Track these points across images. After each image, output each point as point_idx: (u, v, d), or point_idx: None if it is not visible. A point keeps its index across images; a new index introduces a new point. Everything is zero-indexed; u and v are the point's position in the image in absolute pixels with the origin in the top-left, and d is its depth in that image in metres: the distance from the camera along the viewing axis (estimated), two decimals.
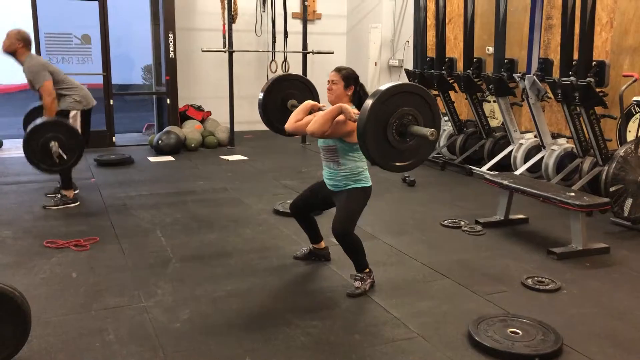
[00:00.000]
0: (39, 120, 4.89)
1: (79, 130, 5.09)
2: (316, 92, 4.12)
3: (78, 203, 5.13)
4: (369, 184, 3.46)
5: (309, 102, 3.55)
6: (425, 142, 2.95)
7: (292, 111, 3.76)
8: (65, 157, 4.87)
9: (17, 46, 4.95)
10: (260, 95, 4.02)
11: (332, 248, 3.86)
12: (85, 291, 3.37)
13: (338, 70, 3.43)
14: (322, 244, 3.88)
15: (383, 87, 2.89)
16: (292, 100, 4.00)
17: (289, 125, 3.50)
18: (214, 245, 4.23)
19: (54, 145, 4.80)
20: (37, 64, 5.00)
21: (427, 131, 2.80)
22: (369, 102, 2.84)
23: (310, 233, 3.82)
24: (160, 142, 7.80)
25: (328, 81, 3.42)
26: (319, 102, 3.67)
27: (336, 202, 3.47)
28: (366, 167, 3.45)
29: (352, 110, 3.21)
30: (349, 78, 3.40)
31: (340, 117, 3.23)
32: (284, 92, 4.05)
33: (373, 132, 2.83)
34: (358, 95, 3.44)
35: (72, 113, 5.16)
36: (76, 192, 5.39)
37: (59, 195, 5.08)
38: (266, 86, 4.04)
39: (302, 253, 3.94)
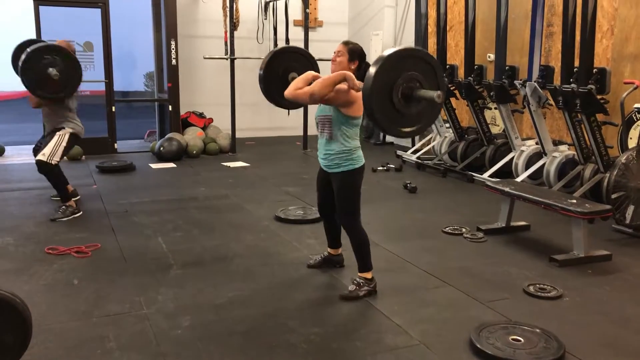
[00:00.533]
0: (39, 44, 4.84)
1: (62, 149, 4.98)
2: (317, 65, 4.06)
3: (81, 213, 5.12)
4: (361, 162, 3.42)
5: (310, 73, 3.49)
6: (431, 106, 2.91)
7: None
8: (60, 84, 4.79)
9: None
10: (261, 70, 3.94)
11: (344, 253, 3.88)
12: (86, 298, 3.37)
13: (345, 43, 3.40)
14: (339, 250, 3.87)
15: (387, 52, 2.86)
16: (293, 73, 3.93)
17: (289, 92, 3.38)
18: (215, 252, 4.23)
19: (52, 70, 4.73)
20: None
21: (434, 94, 2.77)
22: (373, 69, 2.81)
23: (331, 236, 3.81)
24: (161, 148, 7.81)
25: (334, 52, 3.39)
26: (317, 66, 3.68)
27: (333, 184, 3.47)
28: (359, 146, 3.43)
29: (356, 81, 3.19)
30: (354, 52, 3.36)
31: (343, 86, 3.19)
32: (285, 65, 3.98)
33: (379, 97, 2.80)
34: (363, 72, 3.37)
35: (63, 131, 5.02)
36: (77, 198, 5.40)
37: (64, 207, 5.07)
38: (267, 58, 3.95)
39: (315, 261, 3.89)
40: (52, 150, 4.93)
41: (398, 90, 2.83)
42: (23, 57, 4.72)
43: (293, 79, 3.81)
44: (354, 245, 3.46)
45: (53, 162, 4.91)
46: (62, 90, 4.85)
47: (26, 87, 4.81)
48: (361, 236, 3.44)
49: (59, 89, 4.83)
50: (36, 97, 4.92)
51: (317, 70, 3.88)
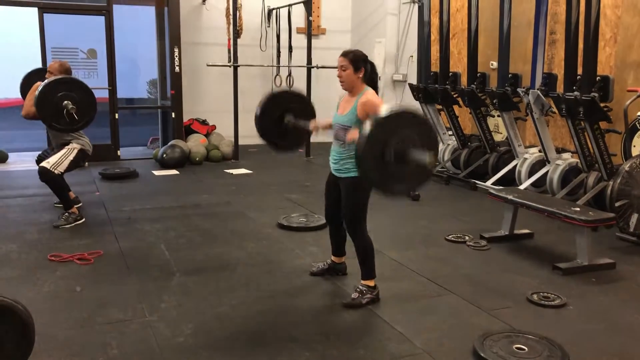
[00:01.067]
0: (52, 78, 4.84)
1: (68, 164, 5.02)
2: (313, 108, 4.06)
3: (84, 220, 5.12)
4: None
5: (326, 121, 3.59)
6: (422, 167, 2.89)
7: (288, 126, 3.84)
8: (76, 117, 4.80)
9: None
10: (257, 112, 3.94)
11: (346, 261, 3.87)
12: (89, 305, 3.37)
13: (345, 54, 3.38)
14: (343, 258, 3.85)
15: (382, 113, 2.87)
16: (289, 116, 3.93)
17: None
18: (218, 259, 4.22)
19: (68, 103, 4.73)
20: None
21: (425, 156, 2.77)
22: (367, 128, 2.80)
23: (336, 244, 3.78)
24: (164, 155, 7.83)
25: (338, 67, 3.38)
26: (314, 111, 3.79)
27: (341, 189, 3.45)
28: None
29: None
30: (357, 60, 3.34)
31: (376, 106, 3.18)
32: (283, 107, 3.96)
33: (372, 155, 2.79)
34: (369, 76, 3.41)
35: (71, 145, 5.06)
36: (79, 205, 5.40)
37: (67, 214, 5.06)
38: (261, 105, 3.94)
39: (318, 269, 3.87)
40: (58, 161, 4.95)
41: (391, 150, 2.81)
42: (37, 94, 4.73)
43: (288, 121, 3.88)
44: (358, 252, 3.46)
45: (56, 172, 4.92)
46: (78, 122, 4.85)
47: (42, 121, 4.86)
48: (366, 244, 3.44)
49: (75, 121, 4.83)
50: (52, 129, 4.95)
51: (314, 112, 3.94)
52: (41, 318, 3.12)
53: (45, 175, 4.92)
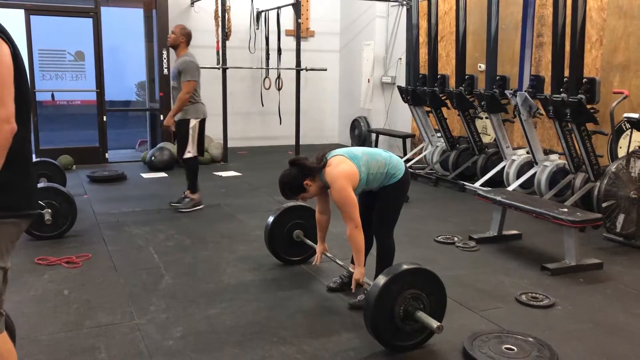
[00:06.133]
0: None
1: (195, 139, 5.62)
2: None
3: (203, 206, 5.68)
4: (401, 174, 3.30)
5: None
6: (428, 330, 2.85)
7: (298, 242, 4.01)
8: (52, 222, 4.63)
9: (180, 40, 5.61)
10: (268, 223, 4.04)
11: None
12: (77, 309, 3.34)
13: (286, 195, 3.28)
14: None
15: (400, 268, 2.85)
16: (298, 231, 4.04)
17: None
18: (207, 262, 4.21)
19: (46, 212, 4.55)
20: (194, 63, 5.60)
21: (434, 324, 2.72)
22: (382, 280, 2.77)
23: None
24: (153, 158, 7.79)
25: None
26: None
27: (379, 196, 3.37)
28: (389, 161, 3.30)
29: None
30: (297, 186, 3.22)
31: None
32: (290, 223, 4.05)
33: (381, 308, 2.77)
34: (311, 170, 3.22)
35: (192, 123, 5.59)
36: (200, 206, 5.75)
37: (187, 199, 5.61)
38: (272, 218, 4.03)
39: (336, 283, 3.68)
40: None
41: (400, 307, 2.79)
42: None
43: (298, 237, 3.99)
44: (379, 256, 3.43)
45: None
46: (55, 230, 4.65)
47: None
48: (388, 251, 3.43)
49: (54, 229, 4.64)
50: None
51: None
52: (28, 322, 3.10)
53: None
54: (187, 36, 5.62)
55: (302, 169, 3.23)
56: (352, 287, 3.31)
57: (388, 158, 3.33)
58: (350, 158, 3.22)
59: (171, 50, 8.36)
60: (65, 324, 3.14)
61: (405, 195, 3.49)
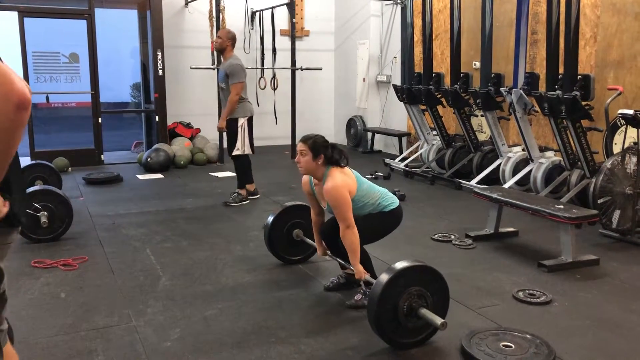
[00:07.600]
0: (31, 188, 4.71)
1: (246, 138, 5.84)
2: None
3: (258, 196, 6.02)
4: (392, 207, 3.41)
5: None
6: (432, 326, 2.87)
7: (297, 241, 4.02)
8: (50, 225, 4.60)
9: (227, 44, 5.78)
10: (268, 222, 4.04)
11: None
12: (74, 311, 3.33)
13: (305, 140, 3.32)
14: None
15: (400, 265, 2.88)
16: (298, 231, 4.05)
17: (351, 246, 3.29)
18: (204, 263, 4.20)
19: (42, 215, 4.53)
20: (240, 64, 5.75)
21: (438, 321, 2.75)
22: (385, 277, 2.80)
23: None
24: (149, 159, 7.77)
25: (297, 151, 3.35)
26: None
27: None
28: (384, 194, 3.43)
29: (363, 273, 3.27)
30: (316, 147, 3.27)
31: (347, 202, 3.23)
32: (290, 223, 4.05)
33: (384, 305, 2.79)
34: (332, 159, 3.29)
35: (240, 121, 5.78)
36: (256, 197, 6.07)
37: (236, 193, 5.82)
38: (272, 217, 4.04)
39: (333, 284, 3.68)
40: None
41: (404, 303, 2.82)
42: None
43: (297, 236, 4.02)
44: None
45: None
46: (51, 232, 4.62)
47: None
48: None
49: (50, 232, 4.62)
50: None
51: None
52: (25, 325, 3.09)
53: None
54: (232, 40, 5.80)
55: (331, 149, 3.30)
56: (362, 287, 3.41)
57: (384, 192, 3.47)
58: (357, 180, 3.38)
59: (165, 51, 8.40)
60: (62, 327, 3.13)
61: (388, 230, 3.50)
